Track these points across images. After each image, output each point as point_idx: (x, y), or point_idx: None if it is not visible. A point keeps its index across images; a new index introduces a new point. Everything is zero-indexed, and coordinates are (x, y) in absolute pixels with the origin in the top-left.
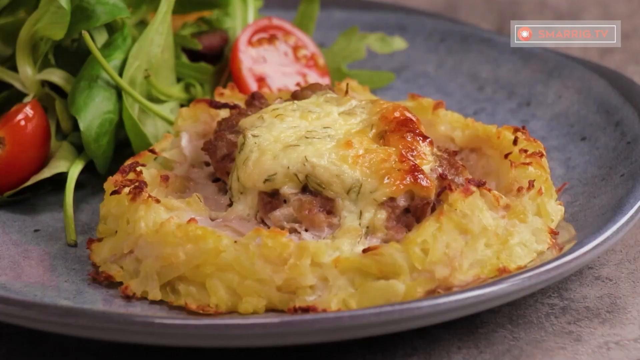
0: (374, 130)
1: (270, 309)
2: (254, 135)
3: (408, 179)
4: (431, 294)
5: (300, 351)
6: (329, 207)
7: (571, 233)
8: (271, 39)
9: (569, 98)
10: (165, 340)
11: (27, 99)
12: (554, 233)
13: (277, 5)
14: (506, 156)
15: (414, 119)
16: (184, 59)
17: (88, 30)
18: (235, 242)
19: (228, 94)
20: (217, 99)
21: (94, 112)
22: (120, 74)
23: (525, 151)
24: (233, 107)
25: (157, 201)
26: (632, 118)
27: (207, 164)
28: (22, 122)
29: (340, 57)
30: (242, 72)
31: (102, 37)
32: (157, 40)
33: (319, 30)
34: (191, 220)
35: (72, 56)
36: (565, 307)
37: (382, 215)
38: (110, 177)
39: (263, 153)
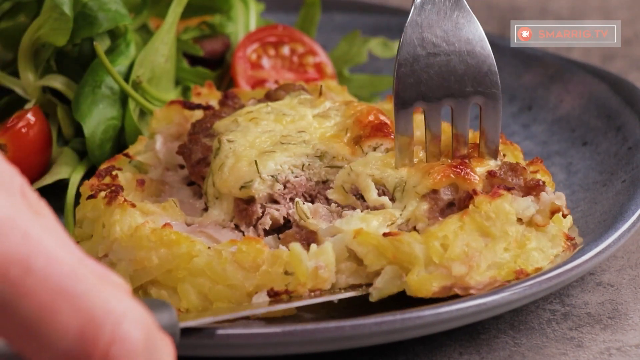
0: (348, 135)
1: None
2: (229, 141)
3: (451, 171)
4: (447, 290)
5: (300, 359)
6: (311, 240)
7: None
8: (276, 46)
9: (570, 102)
10: None
11: (28, 105)
12: (569, 238)
13: (279, 8)
14: None
15: (388, 122)
16: (184, 63)
17: (91, 36)
18: (209, 248)
19: (205, 93)
20: (194, 98)
21: (98, 118)
22: (125, 80)
23: (504, 155)
24: (207, 107)
25: (133, 205)
26: (634, 123)
27: (182, 167)
28: (24, 129)
29: (342, 61)
30: (243, 78)
31: (104, 44)
32: (162, 50)
33: (320, 33)
34: (166, 225)
35: (73, 62)
36: (566, 313)
37: (424, 206)
38: (87, 181)
39: (239, 159)
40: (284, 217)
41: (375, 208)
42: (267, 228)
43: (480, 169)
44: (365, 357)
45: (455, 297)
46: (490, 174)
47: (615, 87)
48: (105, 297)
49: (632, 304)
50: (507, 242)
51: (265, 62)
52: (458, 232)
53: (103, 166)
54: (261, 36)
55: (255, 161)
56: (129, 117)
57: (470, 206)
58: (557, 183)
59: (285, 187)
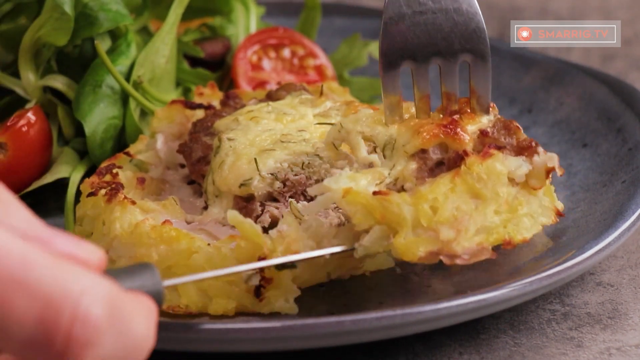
0: None
1: (241, 311)
2: (229, 139)
3: (440, 130)
4: (433, 256)
5: (301, 357)
6: None
7: (573, 239)
8: (277, 48)
9: (570, 105)
10: (162, 344)
11: (29, 105)
12: (559, 214)
13: (279, 12)
14: None
15: None
16: (185, 64)
17: (91, 36)
18: (209, 244)
19: (208, 93)
20: (196, 98)
21: (99, 117)
22: (126, 80)
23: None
24: (208, 107)
25: (133, 203)
26: (633, 125)
27: (182, 166)
28: (24, 128)
29: (342, 64)
30: (244, 80)
31: (105, 44)
32: (162, 50)
33: (320, 37)
34: (166, 222)
35: (74, 62)
36: (566, 313)
37: (413, 166)
38: (87, 179)
39: (239, 157)
40: (284, 215)
41: (365, 166)
42: (266, 226)
43: (472, 127)
44: (365, 357)
45: (455, 294)
46: (482, 133)
47: (615, 89)
48: (61, 278)
49: (632, 304)
50: (497, 204)
51: (266, 64)
52: (448, 195)
53: (104, 164)
54: (262, 38)
55: (255, 159)
56: (130, 117)
57: (462, 167)
58: (557, 184)
59: (284, 185)
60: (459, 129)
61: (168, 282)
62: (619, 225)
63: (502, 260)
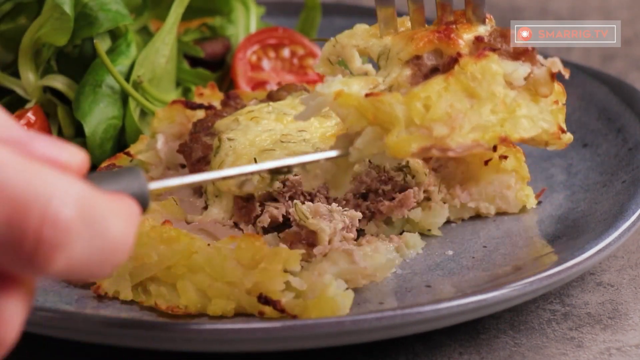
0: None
1: (240, 313)
2: (229, 139)
3: (434, 36)
4: (426, 151)
5: (301, 357)
6: (312, 240)
7: (573, 239)
8: (277, 48)
9: (570, 105)
10: (162, 344)
11: (29, 105)
12: (563, 131)
13: (279, 12)
14: (486, 163)
15: None
16: (185, 64)
17: (91, 36)
18: (209, 245)
19: (208, 94)
20: (197, 98)
21: (99, 117)
22: (125, 80)
23: (505, 157)
24: (208, 107)
25: None
26: (634, 125)
27: (183, 166)
28: (24, 127)
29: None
30: (243, 80)
31: (105, 44)
32: (162, 50)
33: (321, 37)
34: (165, 222)
35: (74, 62)
36: (566, 313)
37: (407, 72)
38: None
39: (239, 157)
40: (283, 215)
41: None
42: (266, 226)
43: (467, 35)
44: (365, 357)
45: (455, 294)
46: (478, 39)
47: (615, 89)
48: (32, 180)
49: (632, 304)
50: (493, 103)
51: (266, 63)
52: (442, 93)
53: (104, 164)
54: (261, 38)
55: (255, 159)
56: (130, 117)
57: (456, 67)
58: (558, 184)
59: (284, 185)
60: (453, 35)
61: (155, 185)
62: (619, 225)
63: (502, 260)
